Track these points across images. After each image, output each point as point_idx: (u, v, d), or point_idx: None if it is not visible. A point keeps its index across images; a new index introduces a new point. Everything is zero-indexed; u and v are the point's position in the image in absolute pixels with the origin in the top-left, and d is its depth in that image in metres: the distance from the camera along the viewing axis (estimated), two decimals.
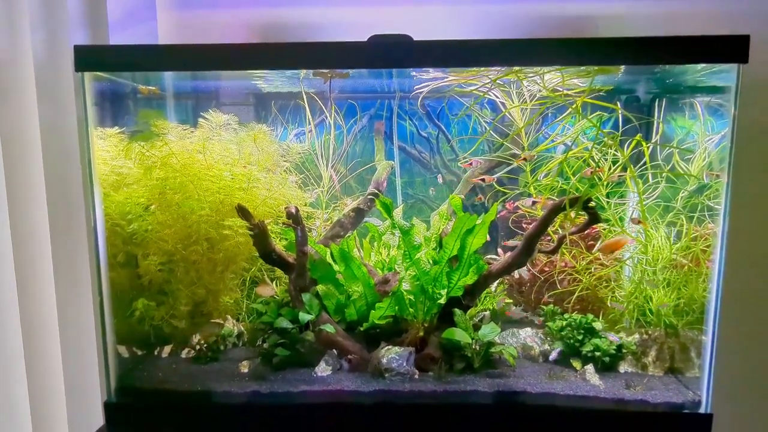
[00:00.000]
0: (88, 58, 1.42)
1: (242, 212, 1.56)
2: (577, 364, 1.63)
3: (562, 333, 1.68)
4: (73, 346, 1.70)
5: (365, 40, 1.39)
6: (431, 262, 1.69)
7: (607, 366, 1.61)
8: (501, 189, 1.88)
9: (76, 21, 1.68)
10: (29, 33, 1.56)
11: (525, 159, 1.75)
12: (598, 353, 1.61)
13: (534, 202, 1.75)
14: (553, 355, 1.66)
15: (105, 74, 1.55)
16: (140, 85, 1.77)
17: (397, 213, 2.00)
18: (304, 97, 1.89)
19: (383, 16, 1.85)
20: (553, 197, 1.76)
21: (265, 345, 1.62)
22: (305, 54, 1.40)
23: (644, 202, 1.64)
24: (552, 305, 1.83)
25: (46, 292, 1.65)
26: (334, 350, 1.62)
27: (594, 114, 1.58)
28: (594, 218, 1.57)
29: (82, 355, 1.71)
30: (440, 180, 2.09)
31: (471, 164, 1.94)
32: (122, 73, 1.65)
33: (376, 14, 1.85)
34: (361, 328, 1.66)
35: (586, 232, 1.68)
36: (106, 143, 1.67)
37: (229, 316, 1.82)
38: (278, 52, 1.41)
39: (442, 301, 1.64)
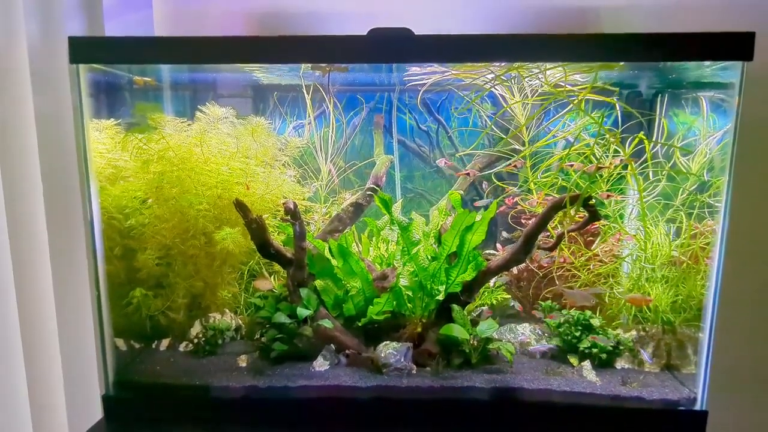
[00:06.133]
0: (83, 49, 1.40)
1: (240, 207, 1.55)
2: (574, 360, 1.63)
3: (560, 329, 1.68)
4: (71, 339, 1.70)
5: (365, 33, 1.37)
6: (430, 258, 1.68)
7: (603, 362, 1.62)
8: (500, 184, 1.87)
9: (70, 9, 1.64)
10: (23, 21, 1.53)
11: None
12: (595, 350, 1.61)
13: (539, 204, 1.74)
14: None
15: (100, 66, 1.52)
16: (136, 77, 1.75)
17: (397, 208, 1.99)
18: (304, 90, 1.86)
19: (384, 8, 1.82)
20: (553, 194, 1.75)
21: (263, 339, 1.62)
22: (303, 48, 1.38)
23: (644, 199, 1.63)
24: (549, 301, 1.83)
25: (44, 285, 1.64)
26: (332, 345, 1.62)
27: (596, 111, 1.57)
28: (594, 216, 1.56)
29: (80, 348, 1.70)
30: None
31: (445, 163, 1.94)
32: (118, 65, 1.62)
33: (377, 6, 1.82)
34: (359, 324, 1.66)
35: (585, 228, 1.68)
36: (102, 135, 1.65)
37: (227, 310, 1.82)
38: (276, 45, 1.38)
39: (441, 297, 1.64)
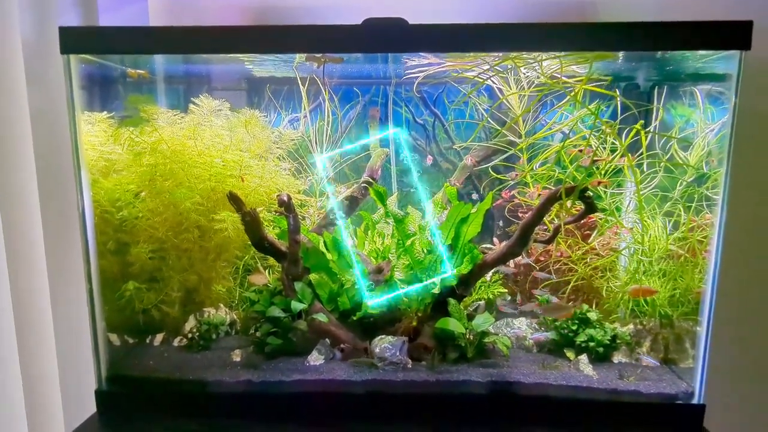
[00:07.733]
0: (74, 40, 1.38)
1: (234, 200, 1.54)
2: (570, 354, 1.62)
3: (556, 323, 1.67)
4: (66, 333, 1.69)
5: (359, 23, 1.36)
6: (425, 251, 1.67)
7: (600, 356, 1.60)
8: (498, 177, 1.86)
9: (65, 3, 1.63)
10: (17, 14, 1.52)
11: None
12: (592, 343, 1.60)
13: (539, 195, 1.73)
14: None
15: (93, 57, 1.51)
16: (129, 69, 1.73)
17: (392, 201, 1.98)
18: (299, 81, 1.85)
19: (379, 2, 1.80)
20: (549, 186, 1.73)
21: (258, 334, 1.61)
22: (297, 37, 1.36)
23: (641, 192, 1.62)
24: (546, 295, 1.81)
25: (39, 279, 1.64)
26: (327, 339, 1.61)
27: (593, 103, 1.56)
28: (590, 208, 1.55)
29: (75, 342, 1.69)
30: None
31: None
32: (111, 56, 1.61)
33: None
34: (354, 318, 1.65)
35: (582, 221, 1.66)
36: (94, 128, 1.64)
37: (221, 305, 1.81)
38: (270, 35, 1.37)
39: (436, 290, 1.62)
